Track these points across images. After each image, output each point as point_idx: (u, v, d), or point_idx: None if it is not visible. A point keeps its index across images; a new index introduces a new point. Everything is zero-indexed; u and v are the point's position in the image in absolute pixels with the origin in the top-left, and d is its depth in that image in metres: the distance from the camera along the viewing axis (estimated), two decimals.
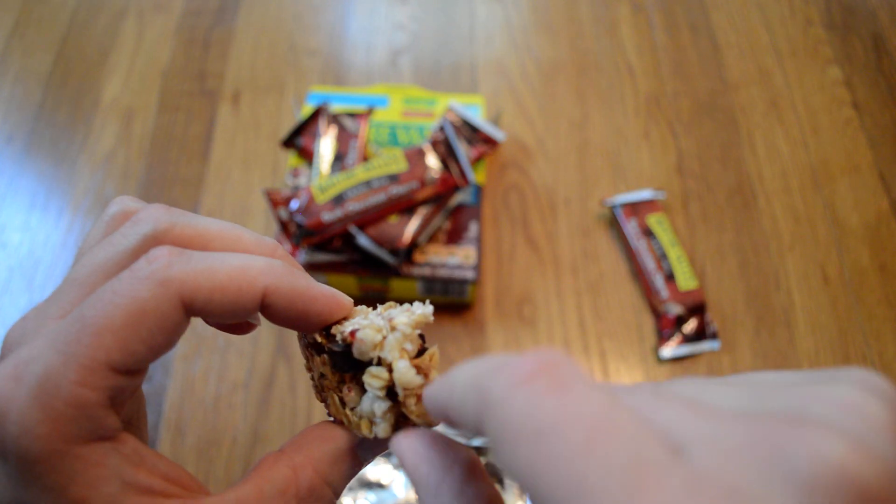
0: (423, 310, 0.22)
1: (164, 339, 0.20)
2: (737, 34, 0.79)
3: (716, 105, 0.74)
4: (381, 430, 0.21)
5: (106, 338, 0.19)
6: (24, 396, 0.18)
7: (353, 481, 0.53)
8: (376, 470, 0.53)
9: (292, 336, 0.60)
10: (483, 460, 0.54)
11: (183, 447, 0.55)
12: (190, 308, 0.20)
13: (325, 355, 0.22)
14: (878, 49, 0.77)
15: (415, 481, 0.20)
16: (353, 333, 0.21)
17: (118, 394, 0.20)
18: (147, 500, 0.20)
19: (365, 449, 0.23)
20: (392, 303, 0.23)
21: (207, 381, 0.58)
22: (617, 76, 0.76)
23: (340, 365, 0.22)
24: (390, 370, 0.21)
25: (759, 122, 0.73)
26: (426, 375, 0.21)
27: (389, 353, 0.21)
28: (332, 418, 0.23)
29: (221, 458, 0.55)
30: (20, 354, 0.19)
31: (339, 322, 0.22)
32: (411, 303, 0.23)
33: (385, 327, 0.21)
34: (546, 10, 0.81)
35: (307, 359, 0.24)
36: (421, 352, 0.21)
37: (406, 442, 0.20)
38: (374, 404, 0.21)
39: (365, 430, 0.22)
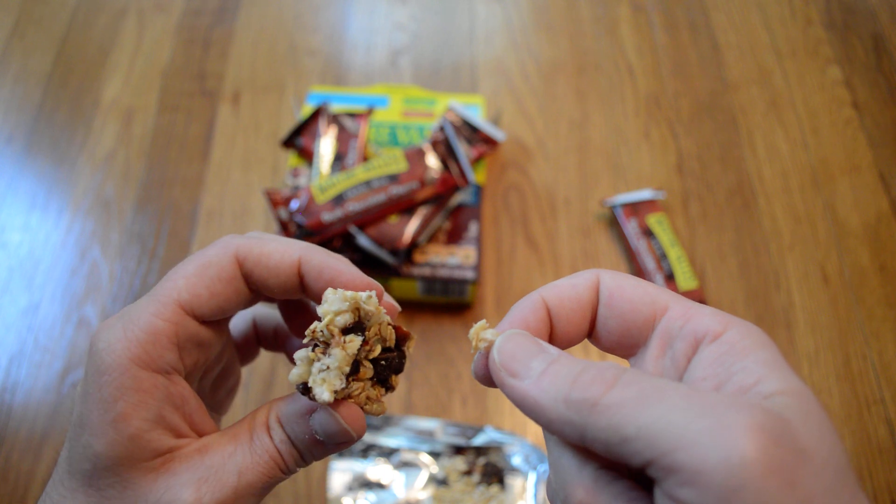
0: (377, 286, 0.26)
1: (223, 287, 0.25)
2: (737, 34, 0.79)
3: (716, 105, 0.74)
4: (330, 385, 0.24)
5: (179, 282, 0.25)
6: (117, 324, 0.24)
7: (353, 481, 0.53)
8: (376, 470, 0.53)
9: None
10: (483, 460, 0.54)
11: None
12: (244, 265, 0.26)
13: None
14: (878, 49, 0.77)
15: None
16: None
17: (185, 335, 0.25)
18: (167, 437, 0.24)
19: (315, 419, 0.26)
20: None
21: None
22: (617, 76, 0.75)
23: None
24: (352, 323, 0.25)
25: (759, 122, 0.73)
26: (343, 348, 0.25)
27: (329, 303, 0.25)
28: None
29: None
30: (128, 306, 0.26)
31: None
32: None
33: (348, 297, 0.25)
34: (546, 10, 0.81)
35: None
36: (347, 331, 0.25)
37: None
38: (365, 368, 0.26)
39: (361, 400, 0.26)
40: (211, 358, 0.28)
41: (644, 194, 0.65)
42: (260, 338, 0.35)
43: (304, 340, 0.25)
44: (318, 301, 0.26)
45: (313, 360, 0.24)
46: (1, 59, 0.76)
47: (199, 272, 0.25)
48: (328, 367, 0.24)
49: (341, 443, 0.26)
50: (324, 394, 0.24)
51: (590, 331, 0.26)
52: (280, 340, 0.34)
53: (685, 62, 0.77)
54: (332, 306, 0.24)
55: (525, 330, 0.25)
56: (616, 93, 0.74)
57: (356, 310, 0.25)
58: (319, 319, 0.25)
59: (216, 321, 0.27)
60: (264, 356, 0.59)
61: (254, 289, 0.27)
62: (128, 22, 0.79)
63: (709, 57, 0.77)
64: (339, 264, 0.26)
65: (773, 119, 0.73)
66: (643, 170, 0.69)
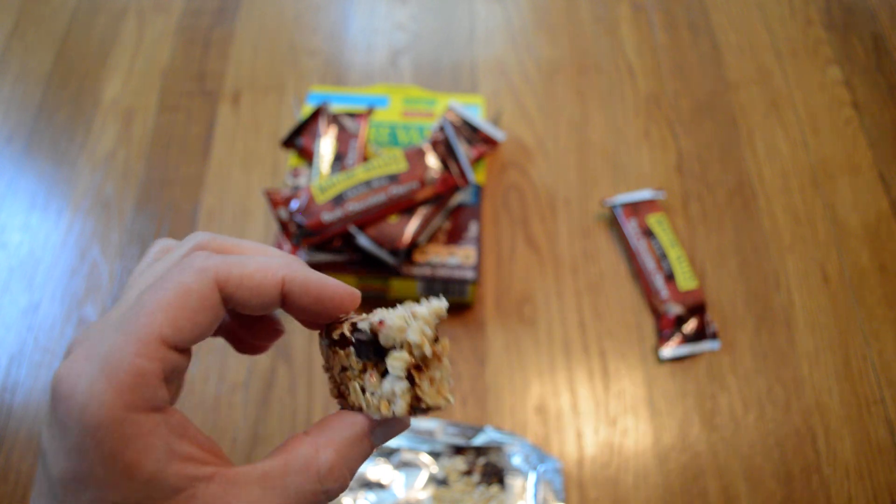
0: (439, 303, 0.25)
1: (205, 316, 0.23)
2: (737, 34, 0.79)
3: (716, 105, 0.74)
4: (399, 407, 0.24)
5: (157, 316, 0.22)
6: (93, 370, 0.21)
7: (353, 481, 0.53)
8: (376, 470, 0.53)
9: (292, 337, 0.60)
10: (483, 460, 0.54)
11: None
12: (224, 290, 0.24)
13: (351, 347, 0.26)
14: (878, 49, 0.77)
15: None
16: (381, 322, 0.24)
17: (169, 369, 0.23)
18: (188, 465, 0.23)
19: (377, 434, 0.26)
20: (408, 302, 0.26)
21: (207, 381, 0.58)
22: (617, 76, 0.76)
23: (366, 353, 0.25)
24: (411, 353, 0.24)
25: (759, 122, 0.73)
26: (439, 359, 0.25)
27: (412, 335, 0.24)
28: (347, 408, 0.27)
29: None
30: (89, 337, 0.23)
31: (358, 318, 0.26)
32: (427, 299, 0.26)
33: (408, 316, 0.24)
34: (546, 10, 0.81)
35: (328, 358, 0.27)
36: (436, 340, 0.25)
37: None
38: (394, 384, 0.24)
39: (384, 410, 0.25)
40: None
41: (644, 194, 0.65)
42: None
43: (400, 374, 0.24)
44: (298, 315, 0.26)
45: (409, 377, 0.24)
46: (1, 59, 0.76)
47: (179, 303, 0.23)
48: (432, 380, 0.24)
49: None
50: (441, 401, 0.24)
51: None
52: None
53: (685, 62, 0.77)
54: (415, 336, 0.24)
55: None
56: (616, 93, 0.74)
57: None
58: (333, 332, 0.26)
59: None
60: (264, 356, 0.59)
61: (230, 309, 0.25)
62: (128, 22, 0.79)
63: (709, 57, 0.77)
64: (322, 279, 0.26)
65: (773, 119, 0.73)
66: (643, 170, 0.69)
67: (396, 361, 0.24)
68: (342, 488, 0.25)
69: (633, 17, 0.80)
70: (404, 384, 0.24)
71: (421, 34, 0.79)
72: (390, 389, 0.24)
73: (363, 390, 0.26)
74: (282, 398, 0.58)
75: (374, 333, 0.24)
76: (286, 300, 0.25)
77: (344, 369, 0.27)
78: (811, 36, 0.79)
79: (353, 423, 0.26)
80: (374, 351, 0.25)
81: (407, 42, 0.78)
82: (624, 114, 0.73)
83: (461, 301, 0.61)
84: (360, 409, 0.26)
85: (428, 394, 0.24)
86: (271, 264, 0.25)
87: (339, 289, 0.26)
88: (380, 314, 0.25)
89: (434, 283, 0.59)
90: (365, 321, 0.25)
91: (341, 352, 0.26)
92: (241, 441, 0.56)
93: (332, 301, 0.25)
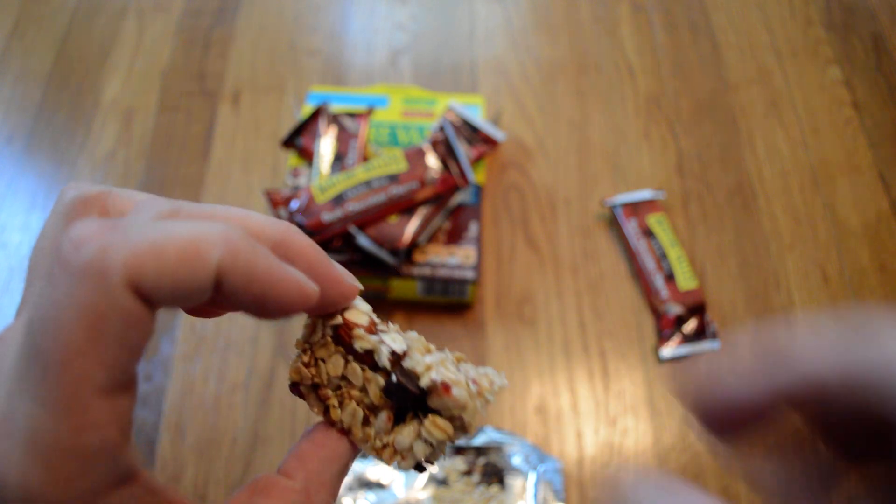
0: (501, 381, 0.22)
1: (136, 336, 0.16)
2: (737, 34, 0.79)
3: (716, 105, 0.74)
4: (405, 465, 0.21)
5: (77, 364, 0.15)
6: (20, 456, 0.15)
7: (353, 481, 0.53)
8: (376, 470, 0.53)
9: (292, 336, 0.60)
10: (483, 460, 0.54)
11: (183, 447, 0.55)
12: (141, 292, 0.16)
13: (380, 377, 0.21)
14: (878, 49, 0.77)
15: None
16: (445, 387, 0.20)
17: (124, 417, 0.16)
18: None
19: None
20: (459, 354, 0.23)
21: (207, 381, 0.58)
22: (617, 76, 0.76)
23: (400, 398, 0.21)
24: (457, 428, 0.21)
25: (759, 122, 0.73)
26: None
27: (469, 417, 0.21)
28: (317, 413, 0.23)
29: (221, 458, 0.55)
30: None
31: (369, 330, 0.21)
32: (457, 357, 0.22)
33: (473, 392, 0.21)
34: (546, 10, 0.81)
35: (315, 348, 0.22)
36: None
37: None
38: (417, 446, 0.21)
39: (386, 458, 0.21)
40: None
41: (644, 194, 0.65)
42: None
43: (432, 441, 0.21)
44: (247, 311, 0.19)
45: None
46: (1, 59, 0.76)
47: (96, 338, 0.15)
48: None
49: None
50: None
51: None
52: None
53: (685, 62, 0.77)
54: (473, 419, 0.21)
55: None
56: (616, 93, 0.74)
57: None
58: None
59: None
60: (265, 356, 0.59)
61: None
62: (128, 22, 0.79)
63: (709, 57, 0.77)
64: (273, 271, 0.18)
65: (773, 119, 0.73)
66: (643, 170, 0.69)
67: (438, 431, 0.21)
68: None
69: (633, 17, 0.80)
70: (429, 449, 0.21)
71: (421, 34, 0.79)
72: (407, 445, 0.21)
73: (366, 421, 0.22)
74: (282, 398, 0.58)
75: (425, 390, 0.21)
76: (219, 290, 0.17)
77: (344, 378, 0.22)
78: (811, 36, 0.79)
79: (340, 456, 0.21)
80: (412, 401, 0.21)
81: (407, 42, 0.78)
82: (624, 114, 0.73)
83: (461, 301, 0.61)
84: (344, 430, 0.22)
85: (436, 458, 0.21)
86: (202, 243, 0.16)
87: (294, 287, 0.18)
88: (441, 371, 0.21)
89: (434, 283, 0.59)
90: (411, 359, 0.21)
91: (356, 365, 0.21)
92: (241, 441, 0.56)
93: (278, 305, 0.18)
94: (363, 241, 0.57)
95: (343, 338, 0.21)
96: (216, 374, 0.59)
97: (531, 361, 0.60)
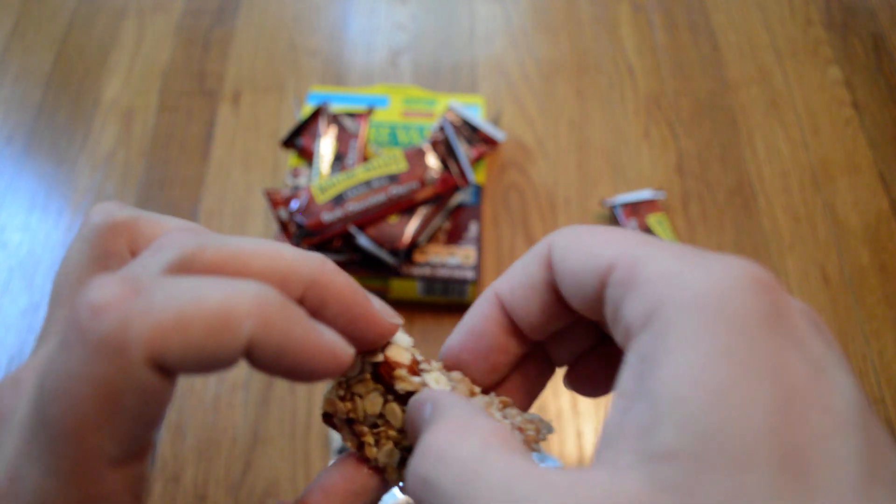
0: (548, 429, 0.21)
1: (155, 407, 0.15)
2: (737, 34, 0.79)
3: (716, 105, 0.74)
4: None
5: (89, 438, 0.15)
6: None
7: None
8: None
9: None
10: None
11: (183, 447, 0.55)
12: (161, 364, 0.15)
13: None
14: (878, 49, 0.77)
15: None
16: None
17: (138, 484, 0.16)
18: None
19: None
20: (505, 398, 0.21)
21: (207, 381, 0.58)
22: (617, 76, 0.76)
23: None
24: None
25: (759, 122, 0.73)
26: None
27: None
28: (351, 448, 0.22)
29: (221, 458, 0.55)
30: (9, 467, 0.15)
31: (411, 370, 0.21)
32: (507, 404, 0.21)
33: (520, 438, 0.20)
34: (546, 10, 0.81)
35: (354, 390, 0.21)
36: None
37: None
38: None
39: None
40: None
41: (644, 194, 0.65)
42: None
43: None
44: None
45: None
46: (1, 59, 0.76)
47: (110, 408, 0.15)
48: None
49: None
50: None
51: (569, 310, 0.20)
52: None
53: (685, 62, 0.77)
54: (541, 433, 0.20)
55: (477, 338, 0.21)
56: (616, 93, 0.74)
57: None
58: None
59: None
60: None
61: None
62: (128, 22, 0.79)
63: (709, 57, 0.77)
64: (308, 340, 0.17)
65: (773, 119, 0.73)
66: (643, 170, 0.69)
67: None
68: None
69: (633, 17, 0.80)
70: None
71: (421, 34, 0.79)
72: None
73: (402, 463, 0.21)
74: (282, 398, 0.58)
75: None
76: (252, 363, 0.16)
77: (383, 418, 0.21)
78: (811, 36, 0.79)
79: (368, 491, 0.21)
80: None
81: (407, 42, 0.78)
82: (624, 114, 0.73)
83: (461, 301, 0.61)
84: (377, 468, 0.21)
85: None
86: (233, 312, 0.15)
87: (328, 356, 0.17)
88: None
89: (434, 283, 0.59)
90: None
91: (395, 406, 0.20)
92: (241, 441, 0.56)
93: (313, 374, 0.17)
94: (363, 241, 0.57)
95: (383, 377, 0.20)
96: (216, 373, 0.59)
97: None
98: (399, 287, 0.60)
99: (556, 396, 0.58)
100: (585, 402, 0.58)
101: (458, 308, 0.62)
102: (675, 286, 0.15)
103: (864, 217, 0.67)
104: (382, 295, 0.61)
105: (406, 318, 0.61)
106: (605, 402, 0.58)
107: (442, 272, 0.59)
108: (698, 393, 0.14)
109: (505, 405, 0.21)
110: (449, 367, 0.22)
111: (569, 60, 0.77)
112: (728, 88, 0.75)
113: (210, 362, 0.15)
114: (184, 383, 0.58)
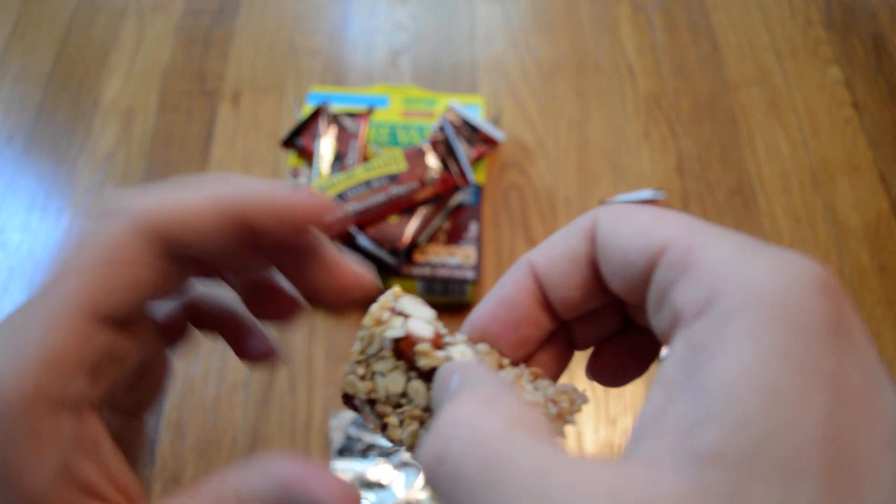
0: (583, 399, 0.20)
1: (144, 272, 0.18)
2: (737, 34, 0.79)
3: (716, 105, 0.74)
4: None
5: (78, 279, 0.17)
6: (1, 347, 0.17)
7: (353, 481, 0.53)
8: (376, 470, 0.53)
9: (291, 336, 0.60)
10: None
11: (183, 447, 0.55)
12: (164, 232, 0.18)
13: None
14: (878, 49, 0.77)
15: None
16: None
17: (98, 351, 0.18)
18: (80, 498, 0.17)
19: None
20: (536, 369, 0.21)
21: (207, 381, 0.58)
22: (617, 76, 0.76)
23: None
24: None
25: (759, 122, 0.73)
26: None
27: None
28: (374, 430, 0.21)
29: (221, 458, 0.55)
30: (11, 315, 0.18)
31: (434, 344, 0.20)
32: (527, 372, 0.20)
33: (552, 414, 0.19)
34: (546, 10, 0.81)
35: (369, 360, 0.20)
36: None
37: None
38: None
39: None
40: (132, 368, 0.21)
41: (644, 194, 0.65)
42: (196, 314, 0.25)
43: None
44: (294, 273, 0.21)
45: None
46: (1, 59, 0.76)
47: (105, 258, 0.17)
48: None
49: None
50: None
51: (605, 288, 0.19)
52: (225, 325, 0.26)
53: (685, 62, 0.77)
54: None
55: (509, 308, 0.20)
56: (616, 93, 0.74)
57: None
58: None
59: (136, 318, 0.20)
60: None
61: (181, 262, 0.19)
62: (128, 22, 0.79)
63: (709, 57, 0.77)
64: (291, 196, 0.19)
65: (773, 119, 0.73)
66: (643, 170, 0.69)
67: None
68: None
69: (633, 17, 0.80)
70: None
71: (421, 34, 0.79)
72: None
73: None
74: (282, 398, 0.58)
75: None
76: (255, 235, 0.19)
77: (406, 397, 0.20)
78: (811, 36, 0.79)
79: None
80: None
81: (407, 42, 0.78)
82: (624, 114, 0.73)
83: (461, 301, 0.61)
84: (403, 444, 0.20)
85: None
86: (223, 188, 0.19)
87: (314, 202, 0.20)
88: (517, 392, 0.18)
89: (434, 283, 0.59)
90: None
91: (419, 383, 0.19)
92: (241, 441, 0.56)
93: (301, 216, 0.19)
94: (363, 241, 0.57)
95: (405, 353, 0.19)
96: (216, 374, 0.59)
97: None
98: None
99: None
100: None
101: (458, 308, 0.62)
102: (736, 276, 0.15)
103: (864, 217, 0.67)
104: None
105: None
106: (605, 401, 0.58)
107: (442, 272, 0.59)
108: (754, 394, 0.13)
109: (536, 376, 0.20)
110: (475, 339, 0.21)
111: (569, 60, 0.77)
112: (728, 88, 0.75)
113: (209, 228, 0.19)
114: (184, 383, 0.58)
